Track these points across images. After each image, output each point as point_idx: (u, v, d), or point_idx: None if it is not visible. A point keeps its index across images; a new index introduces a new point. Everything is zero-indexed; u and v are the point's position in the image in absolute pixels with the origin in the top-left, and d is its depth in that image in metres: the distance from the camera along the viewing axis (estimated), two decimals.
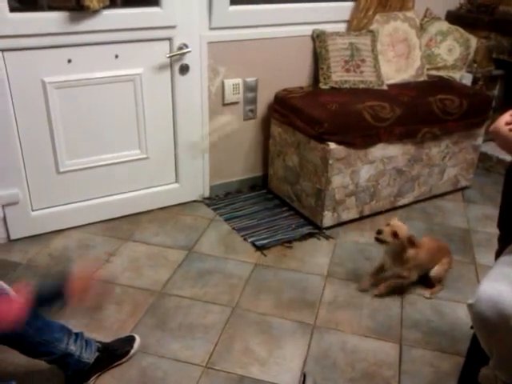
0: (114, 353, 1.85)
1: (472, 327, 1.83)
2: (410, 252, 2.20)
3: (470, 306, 1.45)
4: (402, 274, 2.26)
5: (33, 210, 2.59)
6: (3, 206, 2.49)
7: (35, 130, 2.45)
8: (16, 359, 1.79)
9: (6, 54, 2.26)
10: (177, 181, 2.94)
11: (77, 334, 1.75)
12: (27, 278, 2.32)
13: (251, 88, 2.96)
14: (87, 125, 2.57)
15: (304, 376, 1.82)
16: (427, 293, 2.33)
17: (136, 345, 1.91)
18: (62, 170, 2.58)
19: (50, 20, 2.29)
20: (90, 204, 2.72)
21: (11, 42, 2.25)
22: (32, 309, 1.58)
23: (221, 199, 3.06)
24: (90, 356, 1.75)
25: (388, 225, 2.18)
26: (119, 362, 1.86)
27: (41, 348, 1.64)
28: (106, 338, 1.95)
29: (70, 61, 2.42)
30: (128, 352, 1.88)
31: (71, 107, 2.50)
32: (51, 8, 2.33)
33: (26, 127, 2.43)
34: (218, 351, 1.97)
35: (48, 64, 2.38)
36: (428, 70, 3.26)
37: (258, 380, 1.86)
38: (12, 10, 2.21)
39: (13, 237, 2.58)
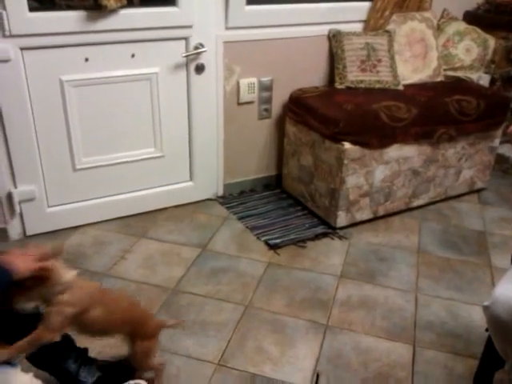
0: (118, 374, 1.78)
1: (487, 330, 1.81)
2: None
3: (486, 309, 1.44)
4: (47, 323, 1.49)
5: (49, 207, 2.62)
6: (20, 202, 2.52)
7: (52, 127, 2.48)
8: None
9: (24, 52, 2.30)
10: (191, 179, 2.95)
11: (80, 350, 1.71)
12: None
13: (266, 87, 2.96)
14: (103, 123, 2.59)
15: (317, 375, 1.82)
16: None
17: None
18: (78, 167, 2.61)
19: (68, 19, 2.32)
20: (105, 201, 2.74)
21: (30, 41, 2.28)
22: None
23: (235, 198, 3.07)
24: (87, 376, 1.69)
25: None
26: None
27: (43, 358, 1.62)
28: None
29: (87, 59, 2.45)
30: (133, 375, 1.77)
31: (88, 105, 2.52)
32: (69, 7, 2.35)
33: (44, 125, 2.46)
34: (230, 349, 1.98)
35: (66, 62, 2.40)
36: (445, 70, 3.24)
37: (270, 378, 1.86)
38: (31, 9, 2.24)
39: (29, 233, 2.61)
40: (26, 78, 2.34)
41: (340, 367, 1.91)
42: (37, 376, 1.51)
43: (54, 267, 1.46)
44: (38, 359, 1.64)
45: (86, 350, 1.76)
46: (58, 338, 1.50)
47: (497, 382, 1.76)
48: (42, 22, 2.28)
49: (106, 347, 1.95)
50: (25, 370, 1.46)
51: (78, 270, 1.55)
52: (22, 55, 2.30)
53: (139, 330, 1.70)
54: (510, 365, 1.46)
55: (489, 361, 1.71)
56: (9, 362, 1.43)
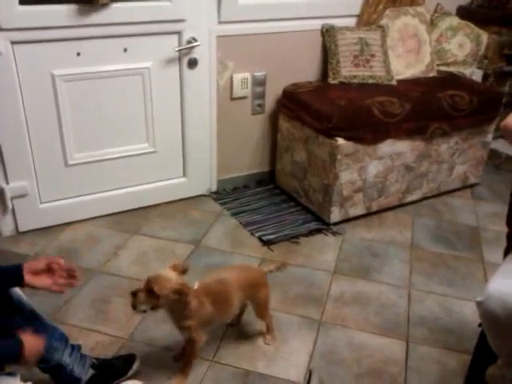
0: (111, 372, 1.78)
1: (480, 325, 1.82)
2: (193, 305, 1.69)
3: (479, 304, 1.44)
4: (190, 337, 1.78)
5: (41, 203, 2.61)
6: (12, 199, 2.50)
7: (44, 122, 2.46)
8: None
9: (15, 46, 2.27)
10: (184, 175, 2.94)
11: (73, 347, 1.70)
12: None
13: (260, 82, 2.95)
14: (95, 118, 2.57)
15: (310, 373, 1.82)
16: (267, 340, 2.00)
17: (135, 366, 1.83)
18: (70, 162, 2.59)
19: (60, 13, 2.29)
20: (98, 197, 2.73)
21: (21, 35, 2.26)
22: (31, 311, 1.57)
23: (228, 194, 3.06)
24: (81, 371, 1.69)
25: (147, 281, 1.62)
26: (116, 381, 1.78)
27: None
28: (114, 331, 1.96)
29: (78, 54, 2.42)
30: (126, 372, 1.81)
31: (80, 100, 2.50)
32: (61, 1, 2.32)
33: (35, 120, 2.43)
34: (224, 345, 1.98)
35: (57, 57, 2.38)
36: (438, 65, 3.24)
37: (264, 375, 1.86)
38: (21, 2, 2.22)
39: (21, 229, 2.60)
40: (17, 73, 2.32)
41: (333, 363, 1.92)
42: None
43: (184, 283, 1.65)
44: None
45: (79, 346, 1.75)
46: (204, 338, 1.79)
47: (488, 376, 1.77)
48: (32, 15, 2.25)
49: (99, 344, 1.95)
50: (24, 379, 1.44)
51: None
52: (13, 49, 2.27)
53: (253, 288, 1.87)
54: (503, 360, 1.47)
55: (481, 356, 1.72)
56: (8, 372, 1.43)
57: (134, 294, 1.61)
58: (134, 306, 1.62)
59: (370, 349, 1.99)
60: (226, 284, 1.81)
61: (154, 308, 1.63)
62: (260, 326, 2.04)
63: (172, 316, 1.73)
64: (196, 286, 1.73)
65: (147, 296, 1.60)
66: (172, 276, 1.64)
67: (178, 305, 1.65)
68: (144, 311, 1.64)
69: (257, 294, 1.89)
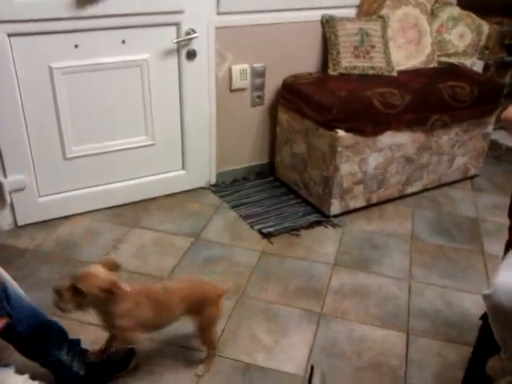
0: (110, 367, 1.78)
1: (481, 318, 1.82)
2: (125, 305, 1.58)
3: (487, 297, 1.43)
4: (125, 338, 1.68)
5: (40, 196, 2.59)
6: (10, 192, 2.49)
7: (42, 115, 2.44)
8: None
9: (12, 39, 2.25)
10: (183, 167, 2.92)
11: (73, 341, 1.70)
12: (35, 263, 2.33)
13: (259, 74, 2.92)
14: (94, 111, 2.55)
15: (312, 368, 1.82)
16: (199, 370, 1.82)
17: (135, 360, 1.82)
18: (68, 156, 2.58)
19: (57, 4, 2.27)
20: (97, 190, 2.72)
21: (18, 27, 2.23)
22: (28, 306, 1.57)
23: (227, 186, 3.05)
24: (80, 367, 1.69)
25: (73, 279, 1.50)
26: (115, 375, 1.78)
27: (34, 348, 1.61)
28: None
29: (76, 46, 2.40)
30: (125, 367, 1.80)
31: (78, 93, 2.48)
32: None
33: (33, 113, 2.42)
34: (224, 338, 1.97)
35: (55, 49, 2.36)
36: (439, 56, 3.21)
37: (264, 368, 1.86)
38: None
39: (20, 223, 2.59)
40: (15, 66, 2.30)
41: (334, 356, 1.92)
42: (33, 377, 1.50)
43: (115, 282, 1.53)
44: (31, 350, 1.63)
45: (78, 341, 1.74)
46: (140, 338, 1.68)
47: (489, 369, 1.76)
48: (30, 7, 2.23)
49: (99, 338, 1.94)
50: (20, 371, 1.44)
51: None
52: (10, 42, 2.25)
53: (198, 304, 1.72)
54: (508, 354, 1.46)
55: (482, 348, 1.72)
56: (3, 364, 1.42)
57: (58, 292, 1.47)
58: (57, 305, 1.48)
59: (370, 341, 1.99)
60: (170, 293, 1.70)
61: (80, 307, 1.52)
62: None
63: (100, 315, 1.61)
64: (128, 288, 1.59)
65: (72, 294, 1.47)
66: (101, 273, 1.52)
67: (106, 304, 1.54)
68: (68, 310, 1.51)
69: (202, 313, 1.73)
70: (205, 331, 1.79)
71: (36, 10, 2.24)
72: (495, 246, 2.55)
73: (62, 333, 1.68)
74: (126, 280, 2.19)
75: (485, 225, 2.78)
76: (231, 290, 1.88)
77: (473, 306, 2.17)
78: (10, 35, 2.24)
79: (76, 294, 1.48)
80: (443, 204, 2.97)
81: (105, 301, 1.53)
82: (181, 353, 1.91)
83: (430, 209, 2.91)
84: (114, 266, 1.60)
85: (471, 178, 3.25)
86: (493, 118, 3.09)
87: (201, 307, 1.73)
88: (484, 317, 1.74)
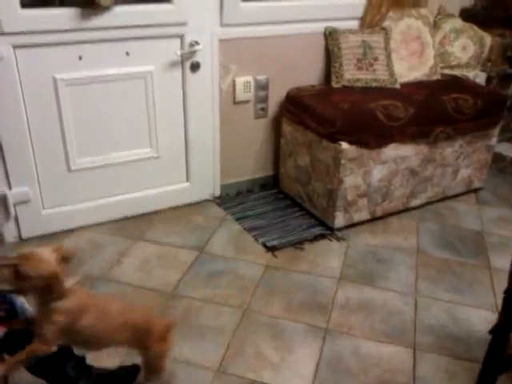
0: (115, 382, 1.76)
1: (491, 331, 1.80)
2: (67, 302, 1.43)
3: None
4: (40, 334, 1.43)
5: (44, 209, 2.58)
6: (15, 205, 2.48)
7: (46, 127, 2.44)
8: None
9: (17, 50, 2.25)
10: (188, 180, 2.91)
11: (78, 358, 1.68)
12: None
13: (262, 86, 2.92)
14: (98, 122, 2.55)
15: None
16: None
17: (140, 376, 1.78)
18: (73, 168, 2.57)
19: (62, 16, 2.27)
20: (101, 203, 2.70)
21: (22, 39, 2.23)
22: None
23: (232, 198, 3.04)
24: (85, 383, 1.66)
25: (16, 257, 1.35)
26: None
27: (40, 364, 1.58)
28: None
29: (81, 58, 2.40)
30: (130, 383, 1.77)
31: (82, 104, 2.48)
32: (63, 4, 2.31)
33: (37, 124, 2.41)
34: (229, 355, 1.95)
35: (59, 61, 2.36)
36: (441, 68, 3.22)
37: None
38: (23, 6, 2.19)
39: (24, 235, 2.57)
40: (19, 77, 2.30)
41: (340, 373, 1.90)
42: None
43: (58, 275, 1.39)
44: (37, 367, 1.61)
45: (83, 357, 1.73)
46: (53, 349, 1.46)
47: None
48: (34, 19, 2.23)
49: (103, 353, 1.92)
50: None
51: (78, 277, 1.51)
52: (15, 53, 2.25)
53: (143, 336, 1.60)
54: None
55: (492, 365, 1.70)
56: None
57: None
58: None
59: (376, 358, 1.97)
60: (113, 311, 1.57)
61: (18, 291, 1.39)
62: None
63: (38, 307, 1.44)
64: (73, 288, 1.46)
65: (12, 274, 1.32)
66: (49, 257, 1.37)
67: (47, 294, 1.39)
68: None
69: (148, 347, 1.60)
70: (153, 368, 1.67)
71: (40, 21, 2.24)
72: (501, 260, 2.55)
73: (67, 349, 1.67)
74: (129, 293, 2.21)
75: (490, 238, 2.77)
76: (176, 324, 1.77)
77: (479, 321, 2.16)
78: (15, 47, 2.24)
79: (16, 275, 1.33)
80: (448, 217, 2.96)
81: (45, 290, 1.38)
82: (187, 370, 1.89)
83: (435, 222, 2.90)
84: (65, 256, 1.43)
85: (475, 190, 3.24)
86: (496, 130, 3.09)
87: (146, 340, 1.60)
88: (493, 331, 1.72)
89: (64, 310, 1.43)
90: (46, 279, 1.35)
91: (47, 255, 1.37)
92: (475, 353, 1.97)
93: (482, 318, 2.17)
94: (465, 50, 3.27)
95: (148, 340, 1.60)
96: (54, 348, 1.47)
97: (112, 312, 1.57)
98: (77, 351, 1.70)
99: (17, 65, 2.27)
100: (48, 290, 1.38)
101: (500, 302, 1.67)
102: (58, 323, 1.42)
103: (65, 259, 1.43)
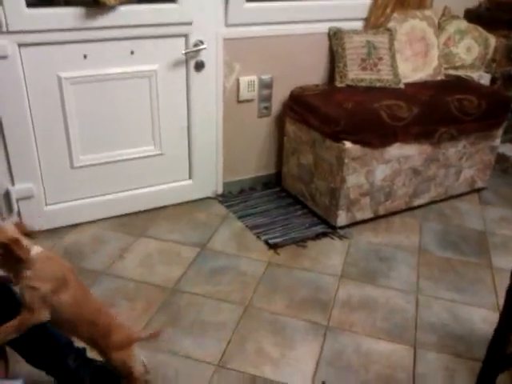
0: (116, 376, 1.73)
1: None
2: (29, 269, 1.42)
3: None
4: (24, 304, 1.44)
5: (47, 205, 2.60)
6: (17, 200, 2.49)
7: (50, 124, 2.46)
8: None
9: (22, 49, 2.27)
10: (190, 177, 2.93)
11: (78, 350, 1.69)
12: None
13: (266, 85, 2.93)
14: (102, 120, 2.56)
15: None
16: None
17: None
18: (76, 165, 2.58)
19: (67, 15, 2.29)
20: (104, 199, 2.72)
21: (28, 37, 2.25)
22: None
23: (234, 196, 3.05)
24: (86, 375, 1.67)
25: None
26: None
27: (40, 356, 1.60)
28: None
29: (85, 56, 2.42)
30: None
31: (86, 103, 2.49)
32: (68, 3, 2.32)
33: (42, 122, 2.43)
34: (230, 350, 1.96)
35: (64, 59, 2.38)
36: (446, 69, 3.22)
37: (270, 380, 1.84)
38: (29, 5, 2.21)
39: None
40: (24, 75, 2.31)
41: (340, 369, 1.90)
42: None
43: (17, 240, 1.39)
44: (38, 359, 1.62)
45: (84, 349, 1.74)
46: (45, 317, 1.45)
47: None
48: (39, 17, 2.25)
49: None
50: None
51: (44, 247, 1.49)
52: (20, 52, 2.27)
53: (102, 340, 1.57)
54: None
55: (492, 363, 1.70)
56: (13, 377, 1.41)
57: None
58: None
59: (377, 355, 1.97)
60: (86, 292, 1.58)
61: None
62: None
63: (14, 278, 1.45)
64: (36, 250, 1.45)
65: None
66: (7, 227, 1.41)
67: (14, 262, 1.40)
68: None
69: (108, 353, 1.57)
70: (120, 374, 1.63)
71: (46, 20, 2.26)
72: (503, 260, 2.54)
73: (68, 341, 1.68)
74: (132, 289, 2.22)
75: (492, 238, 2.76)
76: (155, 337, 1.73)
77: (481, 320, 2.16)
78: (20, 45, 2.25)
79: None
80: (450, 217, 2.95)
81: (8, 259, 1.39)
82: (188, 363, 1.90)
83: (438, 221, 2.90)
84: (27, 232, 1.46)
85: (478, 190, 3.23)
86: (500, 131, 3.08)
87: (100, 343, 1.58)
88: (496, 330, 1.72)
89: (39, 275, 1.43)
90: (6, 245, 1.36)
91: (5, 226, 1.42)
92: (476, 351, 1.96)
93: (483, 317, 2.16)
94: (469, 51, 3.27)
95: (102, 344, 1.58)
96: (45, 318, 1.45)
97: (87, 304, 1.56)
98: (77, 344, 1.71)
99: (22, 63, 2.29)
100: (13, 256, 1.38)
101: (502, 301, 1.66)
102: (37, 290, 1.42)
103: (27, 234, 1.46)
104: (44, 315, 1.45)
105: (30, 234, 1.48)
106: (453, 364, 1.95)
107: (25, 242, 1.42)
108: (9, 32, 2.20)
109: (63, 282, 1.49)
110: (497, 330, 1.68)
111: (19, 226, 1.47)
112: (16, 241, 1.39)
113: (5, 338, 1.44)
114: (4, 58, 2.23)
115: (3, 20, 2.17)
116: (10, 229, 1.42)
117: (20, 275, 1.42)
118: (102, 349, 1.59)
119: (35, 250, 1.45)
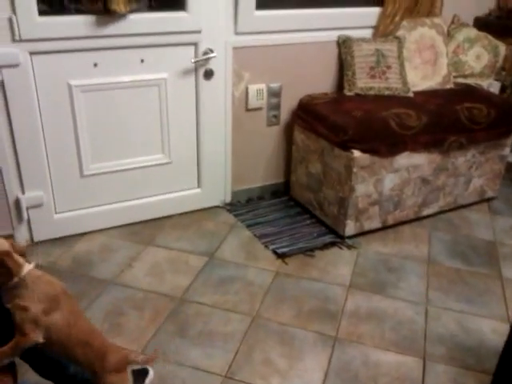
0: None
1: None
2: (31, 289, 1.40)
3: None
4: (16, 325, 1.39)
5: (56, 213, 2.61)
6: (27, 208, 2.51)
7: (60, 132, 2.47)
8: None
9: (33, 57, 2.28)
10: (199, 186, 2.93)
11: None
12: None
13: (275, 93, 2.94)
14: (112, 129, 2.58)
15: None
16: None
17: (148, 380, 1.77)
18: (86, 173, 2.59)
19: (77, 23, 2.31)
20: (113, 208, 2.73)
21: (39, 46, 2.27)
22: None
23: (242, 205, 3.05)
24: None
25: None
26: None
27: (53, 368, 1.61)
28: (127, 344, 1.95)
29: (96, 64, 2.43)
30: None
31: (96, 111, 2.51)
32: (78, 12, 2.34)
33: (52, 130, 2.44)
34: (237, 361, 1.95)
35: (74, 67, 2.39)
36: (455, 77, 3.21)
37: None
38: (41, 13, 2.23)
39: (36, 239, 2.60)
40: (35, 83, 2.33)
41: (349, 381, 1.89)
42: None
43: (9, 252, 1.36)
44: (43, 368, 1.62)
45: None
46: (38, 339, 1.40)
47: None
48: (51, 26, 2.27)
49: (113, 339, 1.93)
50: None
51: (34, 263, 1.45)
52: (31, 60, 2.29)
53: (99, 362, 1.51)
54: None
55: (502, 376, 1.68)
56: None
57: None
58: None
59: (386, 367, 1.96)
60: (82, 323, 1.52)
61: None
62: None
63: (5, 296, 1.41)
64: (30, 268, 1.42)
65: None
66: (1, 243, 1.38)
67: (4, 276, 1.36)
68: None
69: (102, 377, 1.51)
70: None
71: (57, 28, 2.28)
72: None
73: None
74: (140, 298, 2.22)
75: (502, 248, 2.74)
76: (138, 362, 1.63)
77: (490, 331, 2.14)
78: (31, 53, 2.27)
79: None
80: (460, 226, 2.94)
81: (0, 277, 1.36)
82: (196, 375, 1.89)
83: (447, 231, 2.88)
84: (19, 249, 1.43)
85: (488, 200, 3.21)
86: (509, 140, 3.06)
87: (96, 366, 1.52)
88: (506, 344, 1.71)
89: (29, 295, 1.39)
90: None
91: (1, 242, 1.38)
92: (486, 363, 1.95)
93: (492, 329, 2.15)
94: (479, 59, 3.26)
95: (99, 367, 1.52)
96: (39, 340, 1.40)
97: (78, 325, 1.50)
98: None
99: (33, 71, 2.31)
100: (3, 272, 1.35)
101: None
102: (28, 310, 1.39)
103: (17, 251, 1.42)
104: (37, 337, 1.40)
105: (20, 251, 1.43)
106: (462, 377, 1.93)
107: (16, 257, 1.39)
108: (21, 40, 2.22)
109: (55, 302, 1.45)
110: (508, 342, 1.67)
111: (10, 242, 1.42)
112: (8, 253, 1.36)
113: (2, 359, 1.41)
114: (16, 66, 2.25)
115: (16, 28, 2.19)
116: (1, 241, 1.39)
117: (11, 293, 1.39)
118: (99, 373, 1.52)
119: (27, 267, 1.41)
